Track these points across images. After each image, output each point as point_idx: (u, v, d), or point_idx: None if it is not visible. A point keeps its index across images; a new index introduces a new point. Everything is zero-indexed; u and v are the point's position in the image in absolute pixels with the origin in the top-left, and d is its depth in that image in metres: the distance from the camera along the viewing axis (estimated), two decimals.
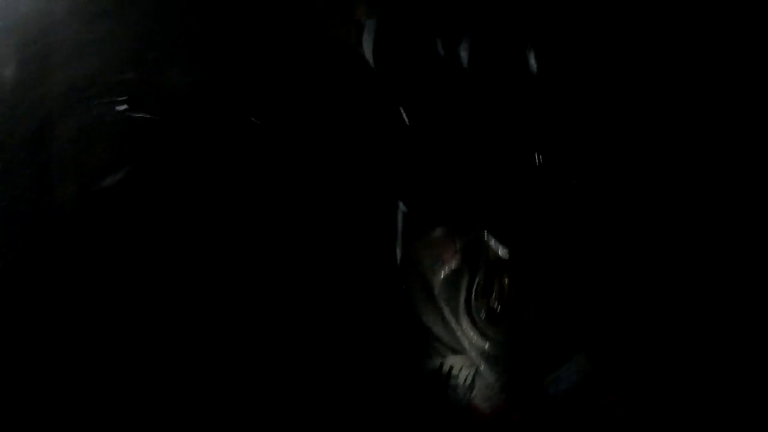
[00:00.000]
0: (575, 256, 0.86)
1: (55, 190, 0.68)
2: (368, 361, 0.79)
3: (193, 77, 0.74)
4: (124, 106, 0.69)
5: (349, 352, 0.79)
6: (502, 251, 0.85)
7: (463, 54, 0.78)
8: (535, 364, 0.84)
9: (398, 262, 0.84)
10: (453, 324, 0.85)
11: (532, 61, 0.80)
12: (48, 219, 0.69)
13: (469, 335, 0.85)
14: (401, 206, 0.83)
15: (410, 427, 0.80)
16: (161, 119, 0.73)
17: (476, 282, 0.85)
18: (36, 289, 0.68)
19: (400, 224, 0.85)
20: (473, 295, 0.85)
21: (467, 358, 0.84)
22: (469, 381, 0.83)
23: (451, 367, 0.83)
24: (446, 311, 0.85)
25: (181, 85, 0.73)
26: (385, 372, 0.80)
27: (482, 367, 0.84)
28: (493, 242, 0.86)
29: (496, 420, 0.81)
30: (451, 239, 0.86)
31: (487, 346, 0.84)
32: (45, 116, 0.68)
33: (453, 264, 0.86)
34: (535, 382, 0.83)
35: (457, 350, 0.84)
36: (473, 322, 0.85)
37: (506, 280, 0.85)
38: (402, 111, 0.78)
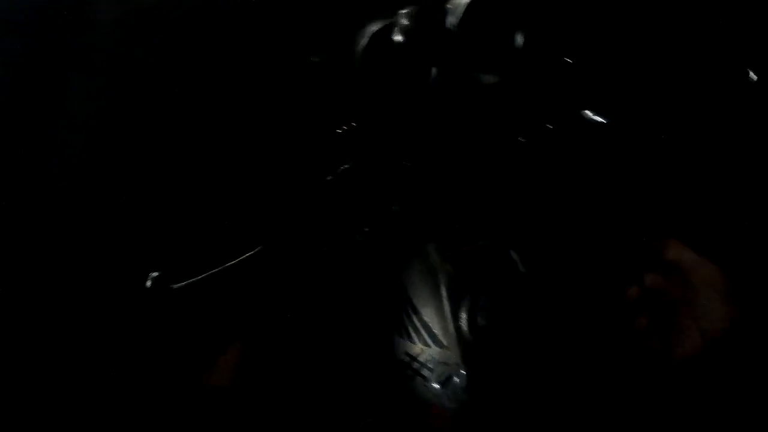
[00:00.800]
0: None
1: None
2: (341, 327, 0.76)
3: None
4: None
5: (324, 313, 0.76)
6: (522, 269, 0.80)
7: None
8: (516, 386, 0.80)
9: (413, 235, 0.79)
10: (448, 315, 0.80)
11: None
12: None
13: (462, 333, 0.80)
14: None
15: (367, 404, 0.77)
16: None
17: (488, 287, 0.80)
18: None
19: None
20: (479, 297, 0.80)
21: (449, 355, 0.80)
22: (443, 378, 0.79)
23: (430, 358, 0.79)
24: (445, 299, 0.80)
25: None
26: (357, 341, 0.76)
27: (461, 369, 0.80)
28: (517, 257, 0.81)
29: (452, 426, 0.77)
30: (476, 238, 0.81)
31: (474, 349, 0.80)
32: None
33: (471, 260, 0.81)
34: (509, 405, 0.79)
35: (442, 344, 0.80)
36: (472, 323, 0.80)
37: (518, 298, 0.80)
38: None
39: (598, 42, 0.77)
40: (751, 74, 0.72)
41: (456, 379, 0.78)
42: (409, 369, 0.78)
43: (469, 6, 0.73)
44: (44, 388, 0.70)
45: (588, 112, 0.77)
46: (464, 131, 0.80)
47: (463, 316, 0.80)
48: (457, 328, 0.79)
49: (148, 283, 0.68)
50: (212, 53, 0.75)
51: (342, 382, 0.78)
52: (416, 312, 0.80)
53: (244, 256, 0.74)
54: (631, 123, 0.76)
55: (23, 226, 0.68)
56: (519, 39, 0.77)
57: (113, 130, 0.74)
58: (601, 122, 0.77)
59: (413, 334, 0.80)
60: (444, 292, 0.80)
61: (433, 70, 0.75)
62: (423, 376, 0.78)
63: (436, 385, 0.78)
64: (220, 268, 0.72)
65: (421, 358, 0.79)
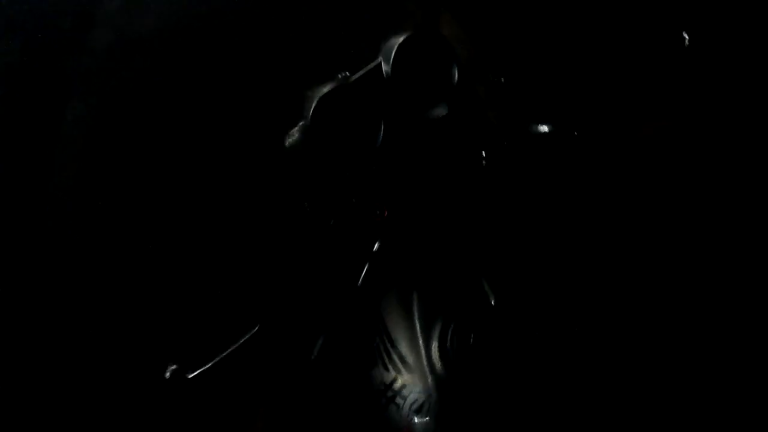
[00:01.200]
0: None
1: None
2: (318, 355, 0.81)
3: None
4: None
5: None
6: (493, 300, 0.80)
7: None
8: (486, 412, 0.79)
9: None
10: (421, 344, 0.83)
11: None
12: None
13: (433, 360, 0.82)
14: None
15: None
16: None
17: (461, 317, 0.82)
18: None
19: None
20: (452, 327, 0.82)
21: (423, 383, 0.82)
22: (416, 406, 0.81)
23: (404, 386, 0.82)
24: (419, 329, 0.83)
25: None
26: (332, 370, 0.81)
27: (434, 398, 0.81)
28: (487, 287, 0.81)
29: None
30: (449, 268, 0.82)
31: (445, 376, 0.81)
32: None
33: (443, 289, 0.83)
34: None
35: (415, 372, 0.82)
36: (442, 350, 0.82)
37: (487, 328, 0.80)
38: None
39: (526, 59, 0.76)
40: (685, 35, 0.67)
41: (428, 406, 0.80)
42: (383, 397, 0.82)
43: (398, 49, 0.78)
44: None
45: (534, 125, 0.77)
46: (426, 168, 0.83)
47: (435, 344, 0.82)
48: (429, 356, 0.82)
49: (167, 375, 0.76)
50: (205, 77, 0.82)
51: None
52: (391, 341, 0.83)
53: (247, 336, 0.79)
54: (573, 125, 0.74)
55: (18, 232, 0.68)
56: (454, 71, 0.80)
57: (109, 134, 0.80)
58: (548, 131, 0.76)
59: (389, 363, 0.83)
60: (417, 322, 0.83)
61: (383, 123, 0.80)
62: (397, 404, 0.81)
63: (410, 413, 0.81)
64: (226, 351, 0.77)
65: (396, 386, 0.82)
